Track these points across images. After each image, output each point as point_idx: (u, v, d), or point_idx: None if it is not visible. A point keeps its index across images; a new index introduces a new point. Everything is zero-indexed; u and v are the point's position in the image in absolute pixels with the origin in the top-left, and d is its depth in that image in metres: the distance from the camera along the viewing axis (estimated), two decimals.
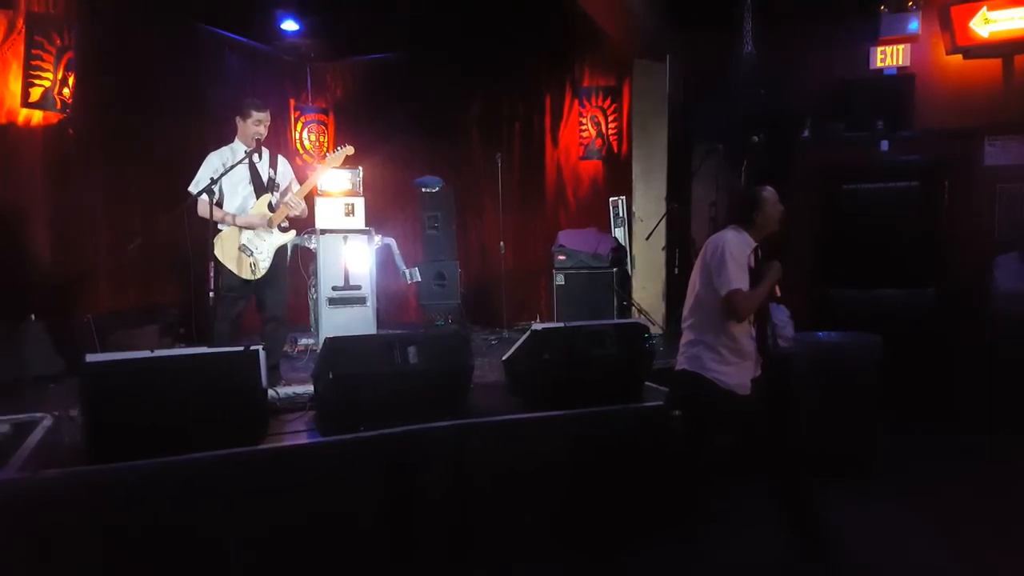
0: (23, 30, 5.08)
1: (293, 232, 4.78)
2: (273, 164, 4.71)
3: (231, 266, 4.44)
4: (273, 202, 4.62)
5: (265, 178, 4.62)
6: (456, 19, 7.46)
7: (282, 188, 4.73)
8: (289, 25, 7.90)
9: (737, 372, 3.14)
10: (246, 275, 4.48)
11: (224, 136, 4.72)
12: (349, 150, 5.19)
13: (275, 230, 4.61)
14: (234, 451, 2.96)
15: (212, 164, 4.46)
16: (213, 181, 4.16)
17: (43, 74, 5.17)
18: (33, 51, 5.11)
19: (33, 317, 4.86)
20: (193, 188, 4.37)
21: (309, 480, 3.05)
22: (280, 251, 4.64)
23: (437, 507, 3.25)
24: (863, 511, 3.88)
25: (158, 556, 2.77)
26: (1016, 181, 5.93)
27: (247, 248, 4.49)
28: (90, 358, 2.87)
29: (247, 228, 4.50)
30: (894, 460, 4.56)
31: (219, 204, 4.42)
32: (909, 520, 3.82)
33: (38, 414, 3.54)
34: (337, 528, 3.07)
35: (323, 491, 3.06)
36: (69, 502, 2.68)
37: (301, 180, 4.90)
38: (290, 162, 5.00)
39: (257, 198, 4.58)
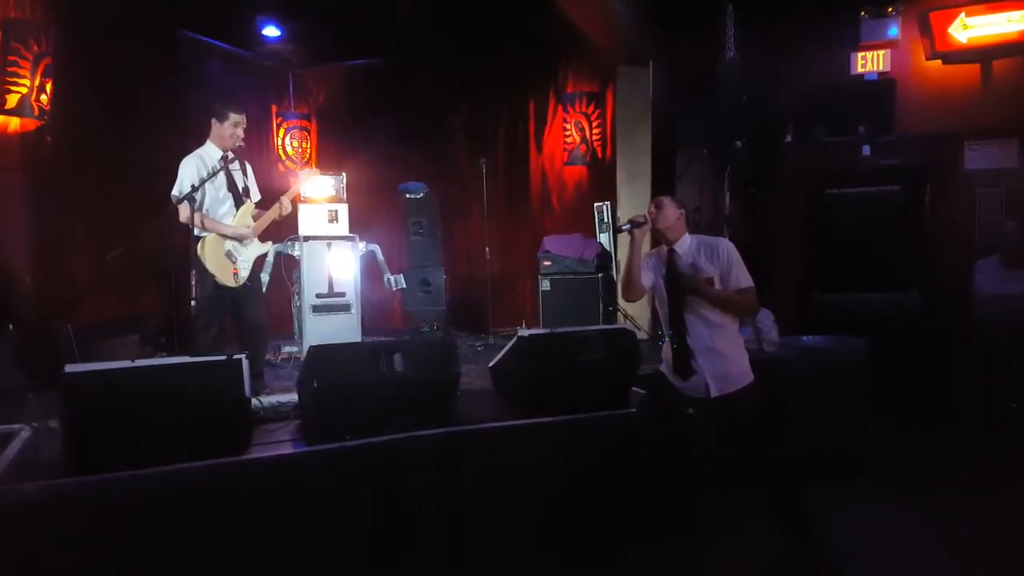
0: None
1: (270, 242, 4.71)
2: (245, 170, 4.62)
3: (215, 272, 4.36)
4: (253, 212, 4.57)
5: (241, 186, 4.54)
6: (439, 25, 7.46)
7: (253, 195, 4.66)
8: (270, 31, 7.86)
9: (668, 368, 3.34)
10: (228, 282, 4.40)
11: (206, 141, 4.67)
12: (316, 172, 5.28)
13: (255, 239, 4.54)
14: (217, 462, 2.91)
15: (190, 167, 4.33)
16: (195, 188, 4.10)
17: (20, 80, 5.08)
18: (9, 57, 5.02)
19: (11, 327, 4.77)
20: (176, 192, 4.28)
21: (294, 490, 3.01)
22: (258, 260, 4.59)
23: (425, 516, 3.22)
24: (853, 513, 3.89)
25: (139, 570, 2.72)
26: (995, 185, 6.00)
27: (232, 255, 4.42)
28: (69, 368, 2.81)
29: (234, 239, 4.43)
30: (882, 462, 4.58)
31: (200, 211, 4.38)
32: (900, 522, 3.84)
33: (16, 425, 3.47)
34: (323, 538, 3.03)
35: (308, 501, 3.03)
36: (48, 515, 2.62)
37: (284, 187, 4.86)
38: (272, 169, 4.94)
39: (237, 207, 4.49)
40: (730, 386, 3.17)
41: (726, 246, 3.27)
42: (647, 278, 3.40)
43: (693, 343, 3.21)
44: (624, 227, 3.41)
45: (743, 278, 3.20)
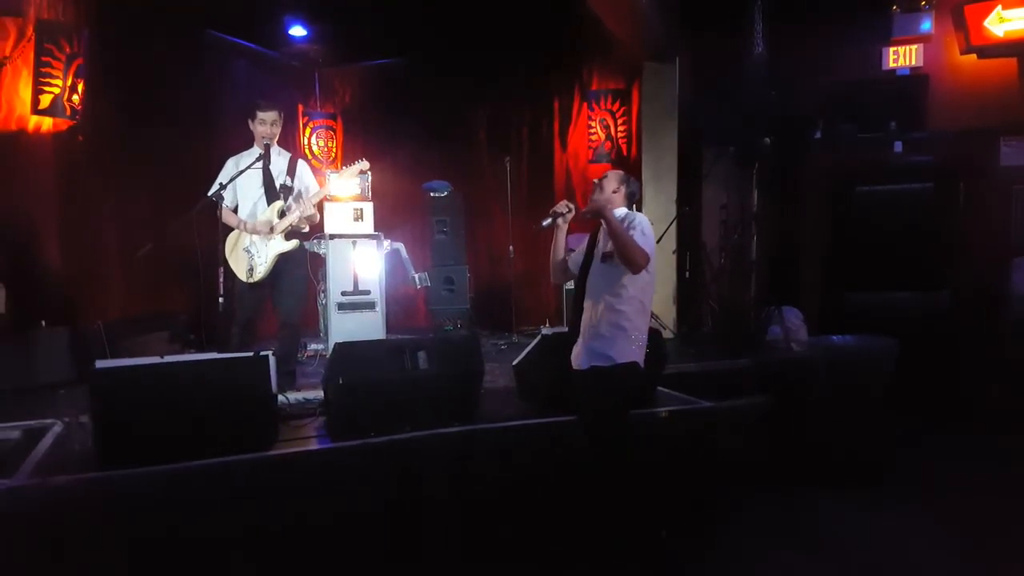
0: (33, 37, 5.08)
1: (296, 240, 4.63)
2: (291, 171, 4.63)
3: (233, 266, 4.48)
4: (284, 209, 4.57)
5: (279, 183, 4.55)
6: (464, 23, 7.45)
7: (299, 195, 4.64)
8: (297, 31, 7.91)
9: None
10: (243, 276, 4.48)
11: (233, 140, 4.71)
12: (364, 165, 5.19)
13: (278, 236, 4.53)
14: (244, 457, 2.94)
15: (227, 169, 4.46)
16: (222, 186, 4.18)
17: (53, 81, 5.17)
18: (43, 58, 5.11)
19: (43, 324, 4.85)
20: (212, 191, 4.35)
21: (319, 486, 3.04)
22: (284, 257, 4.53)
23: (446, 512, 3.22)
24: (877, 515, 3.84)
25: (168, 562, 2.75)
26: None
27: (249, 251, 4.50)
28: (100, 364, 2.86)
29: (253, 234, 4.48)
30: (909, 463, 4.51)
31: (235, 208, 4.51)
32: (923, 524, 3.78)
33: (49, 420, 3.54)
34: (346, 533, 3.04)
35: (333, 496, 3.04)
36: (79, 508, 2.66)
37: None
38: None
39: (268, 204, 4.53)
40: (586, 362, 3.17)
41: (638, 220, 3.23)
42: (575, 261, 3.47)
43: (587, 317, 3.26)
44: (546, 223, 3.42)
45: (641, 241, 3.10)
